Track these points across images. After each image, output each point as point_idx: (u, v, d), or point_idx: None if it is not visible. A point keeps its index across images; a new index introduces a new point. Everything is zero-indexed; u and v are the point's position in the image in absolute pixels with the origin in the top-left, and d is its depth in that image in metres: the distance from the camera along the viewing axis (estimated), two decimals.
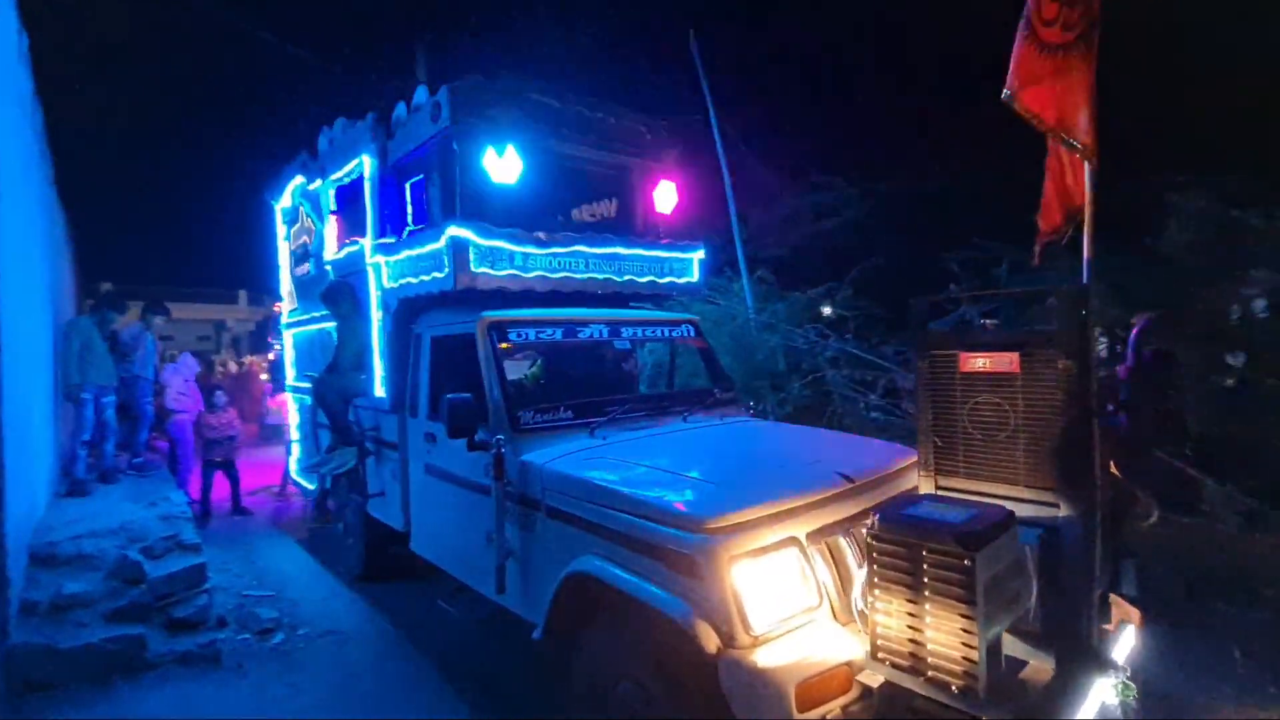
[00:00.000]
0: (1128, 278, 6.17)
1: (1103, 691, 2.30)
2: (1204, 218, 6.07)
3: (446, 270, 3.80)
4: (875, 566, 2.17)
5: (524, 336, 3.86)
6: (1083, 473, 2.31)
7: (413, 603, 4.79)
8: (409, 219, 4.61)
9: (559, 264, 4.16)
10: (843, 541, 2.69)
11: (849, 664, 2.31)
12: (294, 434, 7.06)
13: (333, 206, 5.55)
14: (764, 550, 2.46)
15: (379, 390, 4.81)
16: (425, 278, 4.04)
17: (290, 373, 7.10)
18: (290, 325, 6.87)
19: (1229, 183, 6.09)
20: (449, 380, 4.64)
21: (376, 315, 4.80)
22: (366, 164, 4.75)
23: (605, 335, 4.23)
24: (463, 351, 4.28)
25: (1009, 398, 2.45)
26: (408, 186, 4.59)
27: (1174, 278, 6.07)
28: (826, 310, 8.64)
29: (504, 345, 3.75)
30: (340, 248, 5.39)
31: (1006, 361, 2.42)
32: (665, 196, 4.89)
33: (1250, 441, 5.16)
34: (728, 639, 2.29)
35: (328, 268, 5.60)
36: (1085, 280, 2.82)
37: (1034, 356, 2.37)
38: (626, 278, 4.52)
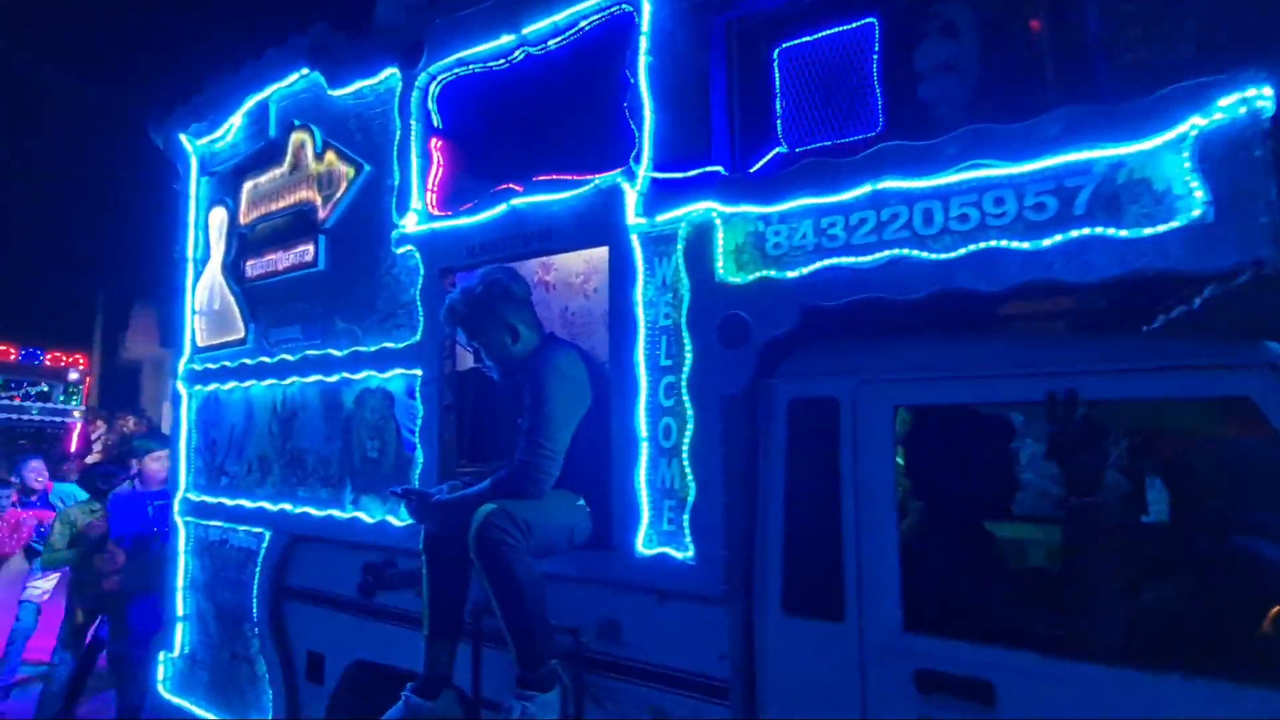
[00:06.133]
0: None
1: None
2: None
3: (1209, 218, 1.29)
4: None
5: None
6: None
7: None
8: (778, 129, 1.97)
9: None
10: None
11: None
12: (180, 607, 3.37)
13: (438, 121, 2.58)
14: None
15: (645, 539, 1.90)
16: (1050, 242, 1.43)
17: (184, 471, 3.47)
18: (216, 375, 3.36)
19: None
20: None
21: (644, 352, 1.97)
22: (647, 8, 2.04)
23: None
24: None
25: None
26: (776, 56, 1.98)
27: None
28: None
29: None
30: (459, 204, 2.42)
31: None
32: None
33: None
34: None
35: (407, 248, 2.55)
36: None
37: None
38: None
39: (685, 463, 1.87)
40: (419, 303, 2.51)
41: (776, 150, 1.93)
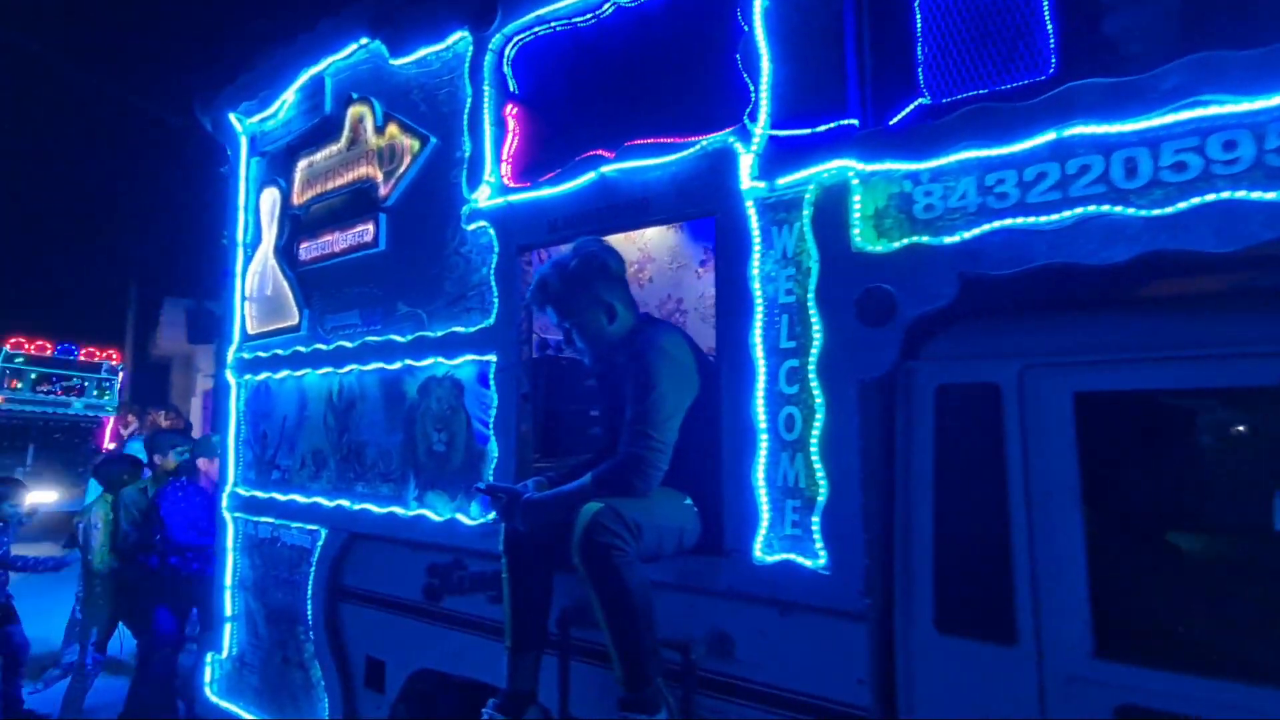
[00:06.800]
0: None
1: None
2: None
3: None
4: None
5: None
6: None
7: None
8: (919, 78, 1.73)
9: None
10: None
11: None
12: (228, 608, 3.21)
13: (513, 86, 2.39)
14: None
15: (765, 545, 1.68)
16: None
17: (232, 466, 3.32)
18: (267, 364, 3.21)
19: None
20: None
21: (761, 333, 1.75)
22: None
23: None
24: None
25: None
26: None
27: None
28: None
29: None
30: (539, 175, 2.22)
31: None
32: None
33: None
34: None
35: (479, 224, 2.35)
36: None
37: None
38: None
39: (814, 458, 1.64)
40: (493, 283, 2.30)
41: (918, 101, 1.69)
